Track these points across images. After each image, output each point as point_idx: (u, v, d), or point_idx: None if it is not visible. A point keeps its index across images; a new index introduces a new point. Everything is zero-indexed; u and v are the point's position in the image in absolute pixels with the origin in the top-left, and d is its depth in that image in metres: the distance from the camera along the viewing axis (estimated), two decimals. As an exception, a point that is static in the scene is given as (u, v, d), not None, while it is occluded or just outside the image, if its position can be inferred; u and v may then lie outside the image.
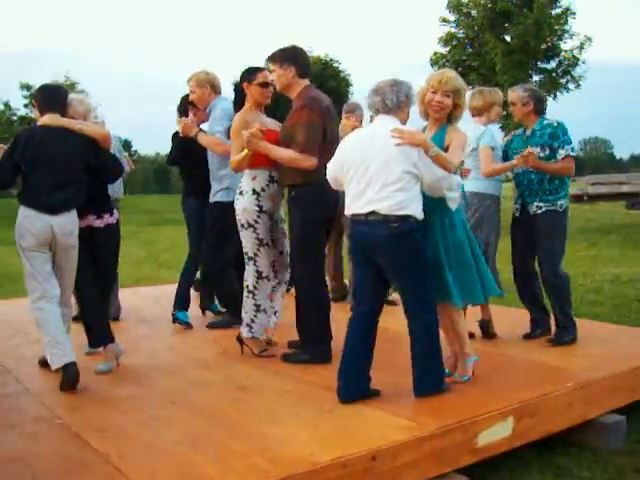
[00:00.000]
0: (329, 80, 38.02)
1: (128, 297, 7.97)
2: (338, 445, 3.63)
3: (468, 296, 4.76)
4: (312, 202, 5.20)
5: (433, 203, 4.52)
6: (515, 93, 5.95)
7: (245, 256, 5.51)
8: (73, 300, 5.41)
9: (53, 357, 4.75)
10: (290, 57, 5.29)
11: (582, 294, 9.94)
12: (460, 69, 37.53)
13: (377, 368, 4.52)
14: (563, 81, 37.04)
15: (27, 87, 43.26)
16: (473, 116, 6.09)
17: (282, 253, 5.63)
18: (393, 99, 4.46)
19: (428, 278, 4.45)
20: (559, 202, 5.83)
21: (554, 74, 37.10)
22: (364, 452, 3.55)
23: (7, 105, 45.51)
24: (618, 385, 4.97)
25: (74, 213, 5.01)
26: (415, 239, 4.36)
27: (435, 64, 37.84)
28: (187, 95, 6.78)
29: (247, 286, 5.52)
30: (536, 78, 37.05)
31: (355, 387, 4.40)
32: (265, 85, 5.50)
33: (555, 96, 36.48)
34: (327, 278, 6.84)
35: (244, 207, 5.39)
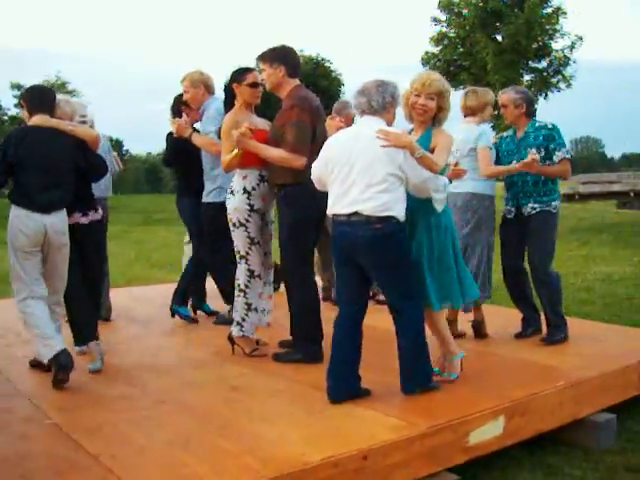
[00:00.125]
0: (320, 80, 38.04)
1: (119, 297, 7.94)
2: (329, 445, 3.63)
3: (447, 299, 4.75)
4: (302, 202, 5.20)
5: (419, 203, 4.52)
6: (507, 95, 5.94)
7: (237, 255, 5.51)
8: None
9: (45, 349, 4.77)
10: (280, 56, 5.29)
11: (573, 293, 9.97)
12: (451, 68, 37.75)
13: (367, 367, 4.53)
14: (554, 80, 37.20)
15: (18, 87, 43.14)
16: (466, 116, 6.07)
17: (267, 254, 5.63)
18: (379, 100, 4.44)
19: (412, 276, 4.45)
20: (553, 203, 5.86)
21: (545, 73, 37.26)
22: (355, 452, 3.55)
23: (-2, 105, 45.46)
24: (609, 384, 4.98)
25: (64, 212, 5.06)
26: (398, 240, 4.36)
27: (427, 63, 37.94)
28: (180, 95, 6.79)
29: (238, 285, 5.51)
30: (527, 77, 37.21)
31: (345, 387, 4.39)
32: (255, 85, 5.50)
33: (546, 95, 36.65)
34: (317, 277, 6.84)
35: (235, 206, 5.40)
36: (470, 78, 36.07)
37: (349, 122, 6.75)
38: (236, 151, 5.18)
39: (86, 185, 5.37)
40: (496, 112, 6.29)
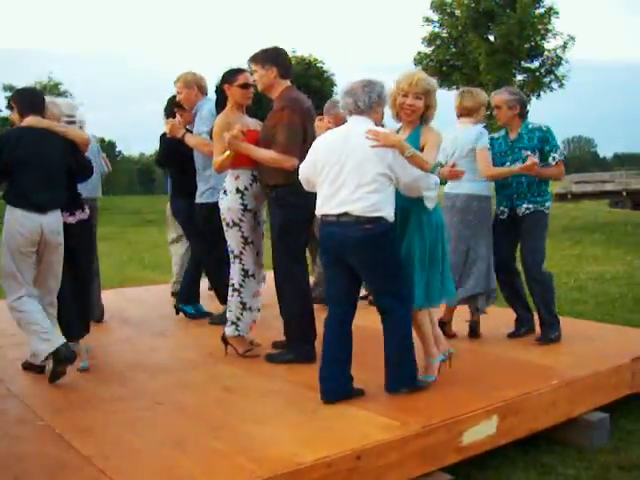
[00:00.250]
0: (313, 80, 37.95)
1: (112, 298, 7.93)
2: (322, 445, 3.63)
3: (432, 298, 4.74)
4: (293, 202, 5.20)
5: (410, 202, 4.52)
6: (501, 96, 5.95)
7: (230, 255, 5.51)
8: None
9: (44, 344, 4.78)
10: (272, 58, 5.30)
11: (566, 292, 9.98)
12: (444, 69, 37.76)
13: (361, 367, 4.53)
14: (547, 80, 37.25)
15: (10, 88, 43.01)
16: (461, 116, 6.00)
17: (259, 253, 5.63)
18: (365, 100, 4.43)
19: (402, 276, 4.45)
20: (547, 203, 5.91)
21: (537, 73, 37.31)
22: (348, 452, 3.55)
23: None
24: (602, 383, 4.99)
25: (59, 212, 5.10)
26: (388, 240, 4.36)
27: (419, 64, 37.93)
28: (174, 96, 6.81)
29: (233, 284, 5.51)
30: (520, 77, 37.26)
31: (337, 387, 4.39)
32: (246, 86, 5.50)
33: (539, 95, 36.71)
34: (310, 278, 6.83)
35: (228, 206, 5.40)
36: (463, 78, 36.13)
37: (338, 122, 6.73)
38: (228, 153, 5.19)
39: (73, 185, 5.40)
40: (488, 113, 6.26)
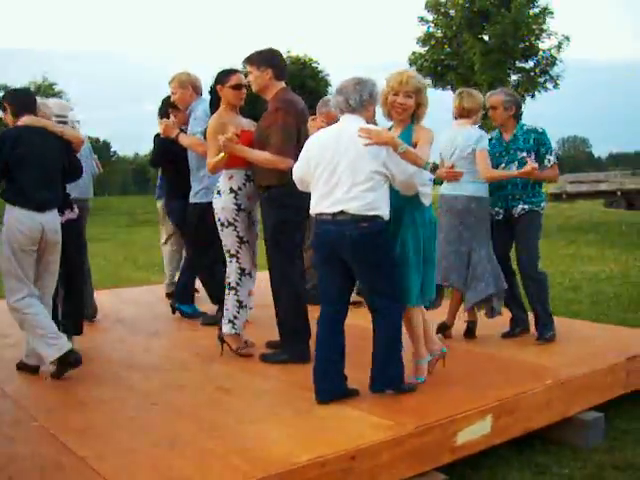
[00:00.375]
0: (308, 80, 37.96)
1: (106, 299, 7.92)
2: (317, 445, 3.63)
3: (425, 295, 4.74)
4: (287, 203, 5.20)
5: (404, 199, 4.52)
6: (496, 97, 5.95)
7: (226, 254, 5.51)
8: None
9: (51, 349, 4.80)
10: (267, 59, 5.31)
11: (561, 292, 9.99)
12: (439, 69, 37.71)
13: (355, 367, 4.52)
14: (541, 80, 37.20)
15: (4, 88, 42.96)
16: (460, 117, 5.97)
17: (253, 253, 5.63)
18: (356, 98, 4.43)
19: (394, 276, 4.45)
20: (542, 204, 5.95)
21: (532, 73, 37.26)
22: (343, 452, 3.55)
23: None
24: (597, 382, 5.00)
25: (56, 211, 5.12)
26: (383, 239, 4.36)
27: (413, 64, 37.85)
28: (168, 97, 6.82)
29: (229, 283, 5.52)
30: (514, 77, 37.21)
31: (331, 387, 4.38)
32: (238, 87, 5.51)
33: (534, 95, 36.66)
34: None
35: (223, 206, 5.40)
36: (457, 78, 36.06)
37: (330, 120, 6.72)
38: (222, 154, 5.18)
39: (63, 184, 5.41)
40: (483, 113, 6.25)
